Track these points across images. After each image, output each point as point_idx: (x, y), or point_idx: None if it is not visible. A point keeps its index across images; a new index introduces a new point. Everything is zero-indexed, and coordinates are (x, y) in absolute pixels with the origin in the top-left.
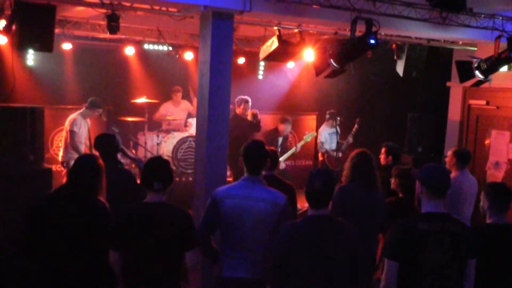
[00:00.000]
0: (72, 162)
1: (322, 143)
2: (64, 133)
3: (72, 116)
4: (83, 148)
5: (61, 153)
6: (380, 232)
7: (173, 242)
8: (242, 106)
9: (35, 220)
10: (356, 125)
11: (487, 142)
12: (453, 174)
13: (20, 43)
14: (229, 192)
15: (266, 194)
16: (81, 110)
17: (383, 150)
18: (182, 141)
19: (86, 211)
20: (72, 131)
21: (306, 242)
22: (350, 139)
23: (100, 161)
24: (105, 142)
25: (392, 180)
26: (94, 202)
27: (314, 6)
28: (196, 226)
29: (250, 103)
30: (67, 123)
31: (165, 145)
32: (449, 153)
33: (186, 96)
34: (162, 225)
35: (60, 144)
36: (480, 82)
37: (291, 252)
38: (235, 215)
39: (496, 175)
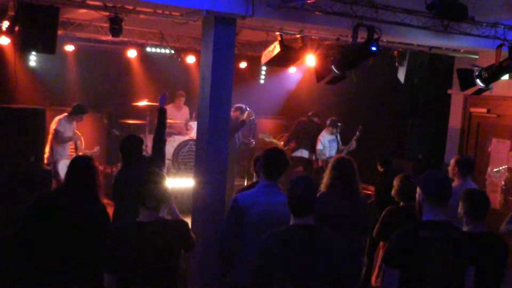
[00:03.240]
0: (59, 163)
1: (321, 150)
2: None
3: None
4: (66, 153)
5: (46, 155)
6: (364, 239)
7: (172, 255)
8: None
9: (33, 219)
10: (358, 132)
11: (489, 149)
12: (455, 183)
13: (22, 45)
14: (253, 199)
15: (284, 199)
16: (66, 114)
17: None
18: (182, 144)
19: (85, 212)
20: (57, 130)
21: (287, 253)
22: (353, 144)
23: (95, 162)
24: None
25: (394, 189)
26: (93, 203)
27: (317, 13)
28: (221, 236)
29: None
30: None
31: (166, 148)
32: (452, 161)
33: (188, 101)
34: (160, 244)
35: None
36: (481, 91)
37: (271, 263)
38: (263, 222)
39: (495, 183)
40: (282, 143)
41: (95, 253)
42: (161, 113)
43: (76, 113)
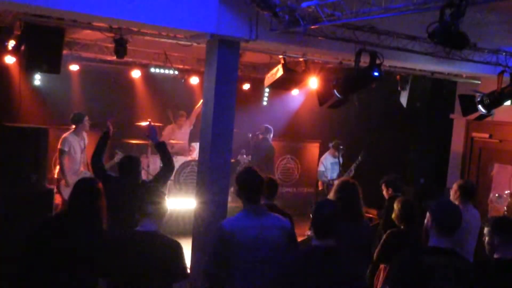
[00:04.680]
0: (61, 182)
1: (322, 172)
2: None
3: (64, 135)
4: (77, 168)
5: (56, 171)
6: (369, 261)
7: (162, 273)
8: None
9: (34, 245)
10: (359, 157)
11: (492, 173)
12: None
13: (28, 64)
14: (239, 224)
15: (273, 220)
16: (72, 130)
17: (382, 186)
18: (184, 165)
19: (85, 237)
20: (61, 150)
21: (310, 274)
22: (352, 171)
23: (100, 184)
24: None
25: (394, 213)
26: (94, 227)
27: (319, 38)
28: (205, 263)
29: None
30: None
31: None
32: (454, 186)
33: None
34: (151, 256)
35: None
36: (483, 116)
37: (295, 284)
38: (250, 246)
39: (498, 208)
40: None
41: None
42: (160, 149)
43: (77, 122)
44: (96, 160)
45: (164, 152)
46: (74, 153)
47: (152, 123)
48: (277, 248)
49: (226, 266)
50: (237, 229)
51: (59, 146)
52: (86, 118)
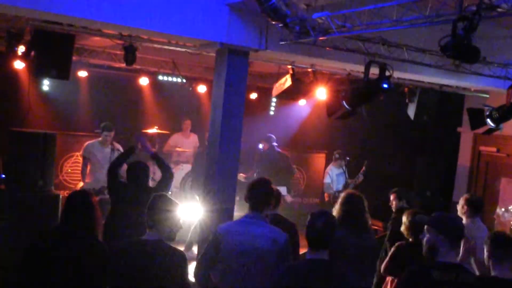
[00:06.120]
0: (77, 187)
1: (329, 184)
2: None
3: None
4: (100, 176)
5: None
6: (374, 274)
7: (161, 282)
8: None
9: (30, 261)
10: (363, 168)
11: (499, 187)
12: (464, 222)
13: (37, 70)
14: (231, 228)
15: (267, 231)
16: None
17: (392, 196)
18: (190, 173)
19: (80, 252)
20: (83, 157)
21: (301, 286)
22: (360, 177)
23: (94, 198)
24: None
25: (403, 225)
26: (89, 242)
27: (328, 49)
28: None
29: None
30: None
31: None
32: (461, 200)
33: (197, 129)
34: (151, 264)
35: (69, 170)
36: (491, 130)
37: None
38: (236, 252)
39: (504, 223)
40: (243, 175)
41: None
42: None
43: (100, 131)
44: (112, 169)
45: (159, 161)
46: (95, 161)
47: (142, 136)
48: (260, 258)
49: (212, 268)
50: (227, 232)
51: (80, 153)
52: (107, 133)
